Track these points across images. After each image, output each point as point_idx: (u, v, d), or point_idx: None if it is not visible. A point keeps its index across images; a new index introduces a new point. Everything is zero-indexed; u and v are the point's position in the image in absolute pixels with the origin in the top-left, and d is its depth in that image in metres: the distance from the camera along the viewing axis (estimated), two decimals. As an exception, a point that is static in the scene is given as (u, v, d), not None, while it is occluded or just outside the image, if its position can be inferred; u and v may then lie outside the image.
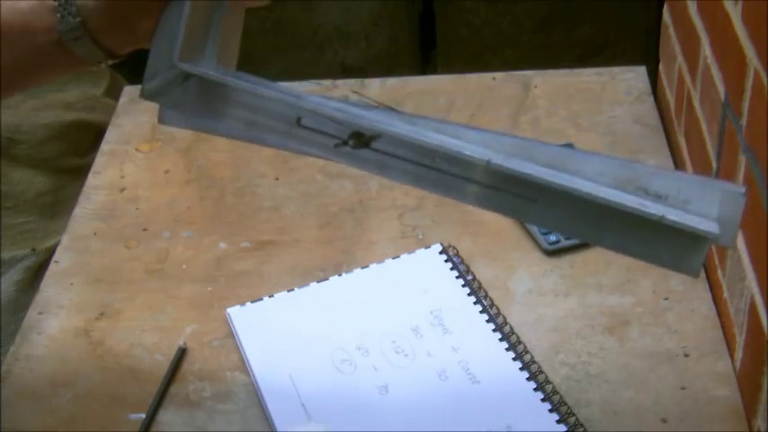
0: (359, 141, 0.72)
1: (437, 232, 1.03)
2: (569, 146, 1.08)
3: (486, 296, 0.95)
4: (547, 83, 1.23)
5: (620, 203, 0.68)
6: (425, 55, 2.04)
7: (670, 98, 1.16)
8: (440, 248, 1.00)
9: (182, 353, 0.92)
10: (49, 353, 0.94)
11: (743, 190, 0.67)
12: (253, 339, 0.92)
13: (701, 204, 0.68)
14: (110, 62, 0.79)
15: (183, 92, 0.76)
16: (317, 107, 0.73)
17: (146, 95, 0.77)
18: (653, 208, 0.67)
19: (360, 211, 1.07)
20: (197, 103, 0.77)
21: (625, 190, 0.68)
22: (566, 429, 0.82)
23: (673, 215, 0.67)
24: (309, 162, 1.13)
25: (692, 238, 0.68)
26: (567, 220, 0.70)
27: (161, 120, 0.79)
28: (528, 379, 0.86)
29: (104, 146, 1.19)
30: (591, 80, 1.23)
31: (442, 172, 0.71)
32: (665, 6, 1.18)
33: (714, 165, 0.93)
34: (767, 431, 0.77)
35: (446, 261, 0.98)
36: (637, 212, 0.67)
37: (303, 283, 0.98)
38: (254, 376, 0.89)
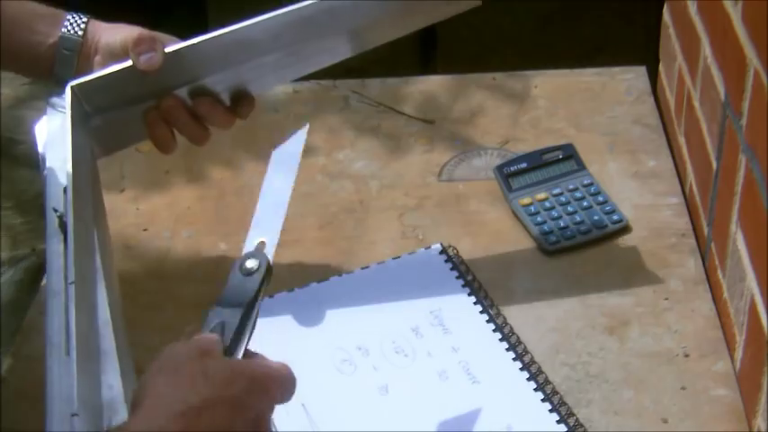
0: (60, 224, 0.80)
1: (437, 232, 1.03)
2: (569, 146, 1.08)
3: (486, 296, 0.94)
4: (547, 83, 1.23)
5: None
6: (425, 55, 2.04)
7: (670, 98, 1.15)
8: (440, 248, 1.00)
9: (182, 353, 0.91)
10: (50, 353, 0.93)
11: None
12: (252, 339, 0.92)
13: None
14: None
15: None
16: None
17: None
18: None
19: (360, 212, 1.07)
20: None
21: None
22: (566, 429, 0.82)
23: None
24: (310, 162, 1.13)
25: None
26: None
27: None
28: (528, 379, 0.86)
29: (104, 146, 1.19)
30: (591, 80, 1.23)
31: None
32: (665, 6, 1.18)
33: (714, 165, 0.93)
34: (767, 431, 0.77)
35: (446, 261, 0.98)
36: None
37: (303, 283, 0.98)
38: (254, 376, 0.89)
